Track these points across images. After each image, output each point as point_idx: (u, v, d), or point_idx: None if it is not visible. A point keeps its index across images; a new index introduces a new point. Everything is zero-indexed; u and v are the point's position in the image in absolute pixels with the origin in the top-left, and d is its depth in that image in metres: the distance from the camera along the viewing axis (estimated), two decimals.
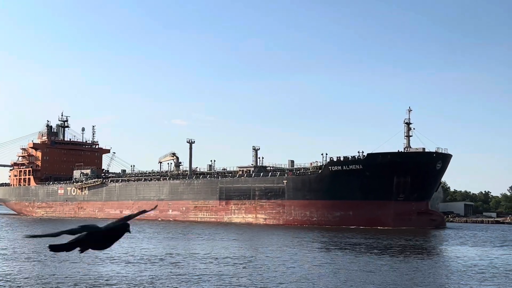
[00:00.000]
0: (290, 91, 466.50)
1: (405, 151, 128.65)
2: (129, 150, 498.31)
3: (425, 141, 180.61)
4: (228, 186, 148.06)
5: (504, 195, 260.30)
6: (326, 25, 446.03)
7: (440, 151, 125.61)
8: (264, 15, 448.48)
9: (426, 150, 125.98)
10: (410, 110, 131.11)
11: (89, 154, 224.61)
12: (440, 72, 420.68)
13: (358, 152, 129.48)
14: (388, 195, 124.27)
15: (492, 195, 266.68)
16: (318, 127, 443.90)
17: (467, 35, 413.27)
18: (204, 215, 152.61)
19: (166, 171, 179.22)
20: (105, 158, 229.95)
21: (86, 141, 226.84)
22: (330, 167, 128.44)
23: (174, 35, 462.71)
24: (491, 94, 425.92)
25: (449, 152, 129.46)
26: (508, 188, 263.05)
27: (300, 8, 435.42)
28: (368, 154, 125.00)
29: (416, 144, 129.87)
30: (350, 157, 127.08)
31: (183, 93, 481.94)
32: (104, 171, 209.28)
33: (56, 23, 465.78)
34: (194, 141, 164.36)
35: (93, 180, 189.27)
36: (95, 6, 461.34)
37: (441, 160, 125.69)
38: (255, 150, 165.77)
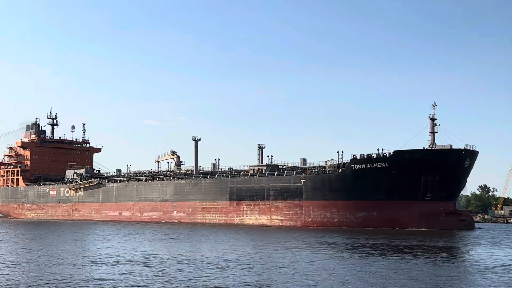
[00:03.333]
0: (282, 90, 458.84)
1: (430, 148, 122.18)
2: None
3: (447, 137, 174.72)
4: (239, 185, 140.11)
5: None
6: (332, 24, 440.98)
7: (468, 148, 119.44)
8: (247, 12, 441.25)
9: (454, 147, 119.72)
10: (435, 105, 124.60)
11: (79, 153, 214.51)
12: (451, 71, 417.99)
13: (378, 150, 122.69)
14: (414, 194, 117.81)
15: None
16: (323, 125, 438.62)
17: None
18: (213, 216, 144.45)
19: (167, 171, 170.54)
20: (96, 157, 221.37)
21: (76, 140, 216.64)
22: (353, 166, 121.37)
23: (147, 35, 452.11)
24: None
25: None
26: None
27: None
28: (394, 151, 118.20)
29: (440, 141, 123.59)
30: (375, 154, 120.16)
31: (155, 93, 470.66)
32: (95, 171, 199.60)
33: (34, 20, 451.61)
34: (200, 139, 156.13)
35: (89, 180, 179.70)
36: (69, 6, 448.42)
37: (469, 157, 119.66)
38: (261, 148, 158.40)
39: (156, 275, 45.40)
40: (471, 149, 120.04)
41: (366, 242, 79.87)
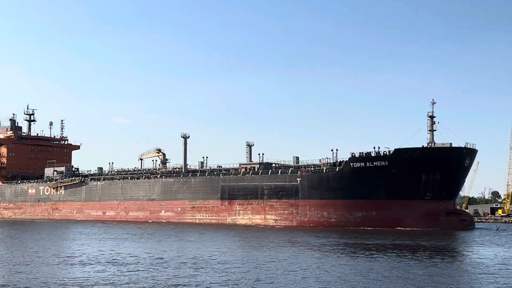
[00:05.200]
0: (273, 88, 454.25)
1: (429, 146, 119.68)
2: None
3: (446, 136, 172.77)
4: (231, 184, 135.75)
5: None
6: (327, 23, 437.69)
7: (469, 146, 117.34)
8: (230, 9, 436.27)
9: (453, 145, 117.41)
10: (434, 103, 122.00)
11: (58, 150, 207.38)
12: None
13: (374, 148, 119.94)
14: (414, 193, 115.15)
15: None
16: (315, 124, 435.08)
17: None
18: (203, 216, 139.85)
19: (153, 169, 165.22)
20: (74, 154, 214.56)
21: (54, 136, 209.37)
22: (351, 164, 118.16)
23: (114, 34, 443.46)
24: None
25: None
26: None
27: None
28: (395, 149, 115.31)
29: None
30: (375, 152, 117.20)
31: (124, 91, 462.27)
32: (74, 168, 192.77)
33: (8, 16, 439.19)
34: (189, 136, 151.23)
35: (70, 178, 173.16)
36: (44, 2, 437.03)
37: (469, 156, 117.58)
38: (249, 146, 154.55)
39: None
40: (471, 147, 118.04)
41: (355, 242, 77.02)
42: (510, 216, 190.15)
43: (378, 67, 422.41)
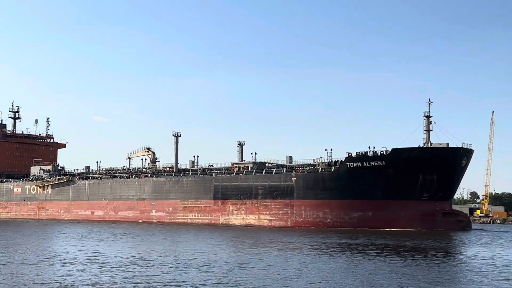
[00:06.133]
0: (264, 87, 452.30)
1: (425, 146, 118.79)
2: None
3: (443, 136, 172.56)
4: (224, 184, 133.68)
5: None
6: (322, 23, 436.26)
7: (465, 147, 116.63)
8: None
9: (450, 146, 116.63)
10: (430, 103, 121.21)
11: (43, 148, 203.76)
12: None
13: (369, 147, 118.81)
14: (411, 194, 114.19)
15: None
16: (306, 124, 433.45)
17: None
18: (195, 216, 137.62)
19: (143, 168, 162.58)
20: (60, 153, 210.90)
21: (39, 135, 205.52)
22: (348, 164, 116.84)
23: (100, 32, 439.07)
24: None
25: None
26: None
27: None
28: (393, 149, 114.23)
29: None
30: (372, 152, 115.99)
31: (104, 89, 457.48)
32: (60, 167, 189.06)
33: None
34: (180, 134, 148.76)
35: (57, 177, 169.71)
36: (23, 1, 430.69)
37: (466, 156, 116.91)
38: (241, 145, 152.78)
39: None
40: (468, 148, 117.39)
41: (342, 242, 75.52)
42: (488, 217, 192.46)
43: (373, 66, 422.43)
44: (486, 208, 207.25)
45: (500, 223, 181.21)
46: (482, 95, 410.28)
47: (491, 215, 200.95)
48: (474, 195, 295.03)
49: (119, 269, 46.08)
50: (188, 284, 38.86)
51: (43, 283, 38.93)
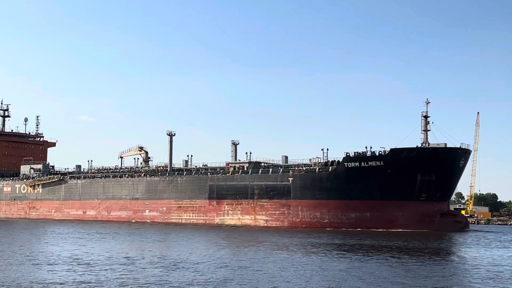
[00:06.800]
0: (244, 85, 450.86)
1: (423, 146, 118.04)
2: None
3: (440, 136, 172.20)
4: (220, 183, 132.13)
5: None
6: (319, 23, 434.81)
7: (463, 147, 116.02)
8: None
9: (448, 146, 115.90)
10: (428, 102, 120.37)
11: (33, 147, 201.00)
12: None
13: (366, 147, 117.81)
14: (409, 194, 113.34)
15: None
16: (300, 124, 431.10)
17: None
18: (190, 216, 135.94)
19: (136, 167, 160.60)
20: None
21: (29, 133, 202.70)
22: (346, 164, 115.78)
23: (88, 30, 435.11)
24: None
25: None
26: None
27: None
28: (391, 149, 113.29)
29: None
30: (370, 152, 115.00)
31: (90, 89, 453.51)
32: (50, 166, 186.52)
33: None
34: (174, 134, 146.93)
35: (48, 176, 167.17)
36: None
37: (464, 156, 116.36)
38: (235, 144, 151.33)
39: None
40: (466, 148, 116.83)
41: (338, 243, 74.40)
42: (473, 217, 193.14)
43: (371, 67, 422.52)
44: (471, 209, 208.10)
45: (485, 224, 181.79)
46: (480, 95, 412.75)
47: (475, 215, 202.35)
48: (459, 195, 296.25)
49: (104, 270, 44.92)
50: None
51: (30, 282, 37.95)
